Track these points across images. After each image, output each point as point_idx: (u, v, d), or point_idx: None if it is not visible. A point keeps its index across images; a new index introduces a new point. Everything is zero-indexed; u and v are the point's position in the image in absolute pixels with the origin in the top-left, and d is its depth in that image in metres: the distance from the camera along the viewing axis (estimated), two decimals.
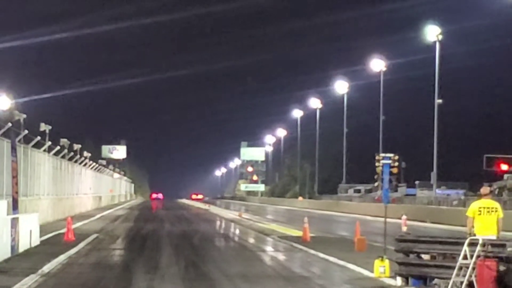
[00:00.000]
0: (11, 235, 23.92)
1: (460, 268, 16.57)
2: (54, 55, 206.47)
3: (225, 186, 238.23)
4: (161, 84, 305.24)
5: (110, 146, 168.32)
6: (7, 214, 25.36)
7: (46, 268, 21.24)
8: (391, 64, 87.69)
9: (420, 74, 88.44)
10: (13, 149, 30.60)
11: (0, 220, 23.39)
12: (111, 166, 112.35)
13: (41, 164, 43.29)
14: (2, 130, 30.88)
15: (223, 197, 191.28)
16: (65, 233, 31.60)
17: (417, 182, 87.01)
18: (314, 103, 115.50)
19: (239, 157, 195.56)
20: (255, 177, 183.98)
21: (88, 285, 18.84)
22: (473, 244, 16.51)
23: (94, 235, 34.39)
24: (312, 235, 34.23)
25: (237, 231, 42.46)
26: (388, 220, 25.37)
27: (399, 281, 18.83)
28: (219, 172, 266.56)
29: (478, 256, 16.35)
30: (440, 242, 18.13)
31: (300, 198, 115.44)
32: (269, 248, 31.03)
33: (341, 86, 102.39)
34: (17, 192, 30.08)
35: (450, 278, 16.76)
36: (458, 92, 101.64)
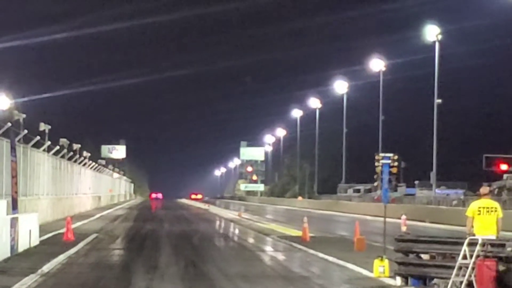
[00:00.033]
0: (11, 235, 23.91)
1: (460, 268, 16.57)
2: (53, 55, 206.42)
3: (225, 186, 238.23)
4: (160, 84, 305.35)
5: (110, 146, 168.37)
6: (7, 214, 25.35)
7: (46, 268, 21.24)
8: (391, 64, 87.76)
9: (420, 74, 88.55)
10: (13, 149, 30.60)
11: (0, 220, 23.39)
12: (110, 166, 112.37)
13: (41, 164, 43.29)
14: (2, 130, 30.87)
15: (223, 197, 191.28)
16: (65, 233, 31.60)
17: (416, 182, 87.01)
18: (314, 103, 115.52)
19: (238, 157, 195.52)
20: (254, 177, 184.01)
21: (88, 285, 18.83)
22: (472, 244, 16.52)
23: (94, 235, 34.39)
24: (311, 235, 34.24)
25: (237, 231, 42.46)
26: (388, 220, 25.37)
27: (398, 281, 18.83)
28: (219, 172, 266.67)
29: (477, 256, 16.35)
30: (440, 242, 18.14)
31: (300, 198, 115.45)
32: (268, 248, 31.04)
33: (340, 86, 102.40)
34: (16, 192, 30.07)
35: (449, 278, 16.76)
36: (458, 92, 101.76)
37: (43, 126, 45.23)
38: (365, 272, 21.32)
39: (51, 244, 28.76)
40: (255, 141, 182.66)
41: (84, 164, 66.93)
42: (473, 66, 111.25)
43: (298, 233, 36.10)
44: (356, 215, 64.05)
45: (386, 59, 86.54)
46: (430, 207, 61.87)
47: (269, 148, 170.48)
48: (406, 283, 18.53)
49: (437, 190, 72.04)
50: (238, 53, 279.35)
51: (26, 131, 36.27)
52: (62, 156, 51.84)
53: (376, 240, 30.83)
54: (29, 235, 26.77)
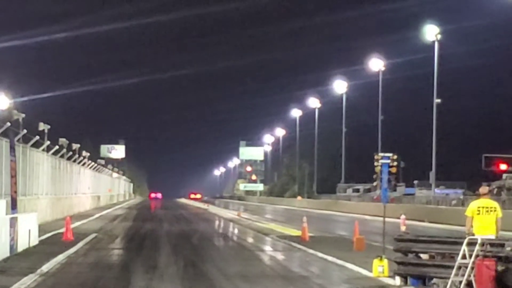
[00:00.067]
0: (10, 235, 23.91)
1: (459, 268, 16.58)
2: (53, 54, 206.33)
3: (224, 186, 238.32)
4: (160, 84, 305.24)
5: (109, 146, 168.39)
6: (6, 214, 25.35)
7: (45, 267, 21.23)
8: (390, 63, 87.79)
9: (419, 74, 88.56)
10: (12, 148, 30.59)
11: None
12: (110, 166, 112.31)
13: (40, 164, 43.28)
14: (1, 130, 30.87)
15: (222, 196, 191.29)
16: (64, 232, 31.59)
17: (416, 181, 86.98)
18: (313, 102, 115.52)
19: (238, 157, 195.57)
20: (254, 177, 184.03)
21: (87, 285, 18.83)
22: (472, 243, 16.52)
23: (93, 235, 34.38)
24: (311, 234, 34.25)
25: (236, 231, 42.46)
26: (387, 219, 25.38)
27: (397, 280, 18.83)
28: (218, 171, 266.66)
29: (477, 256, 16.35)
30: (439, 242, 18.14)
31: (299, 197, 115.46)
32: (268, 248, 31.04)
33: (340, 86, 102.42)
34: (15, 192, 30.07)
35: (449, 278, 16.77)
36: (457, 92, 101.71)
37: (42, 126, 45.22)
38: (364, 271, 21.32)
39: (50, 244, 28.75)
40: (254, 141, 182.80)
41: (84, 164, 66.93)
42: (472, 66, 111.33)
43: (298, 232, 36.10)
44: (355, 215, 64.06)
45: (386, 59, 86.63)
46: (429, 207, 61.87)
47: (268, 148, 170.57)
48: (405, 282, 18.53)
49: (436, 190, 72.04)
50: (238, 53, 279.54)
51: (25, 131, 36.26)
52: (62, 156, 51.84)
53: (375, 239, 30.83)
54: (28, 235, 26.76)
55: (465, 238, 16.76)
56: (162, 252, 27.54)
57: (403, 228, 32.60)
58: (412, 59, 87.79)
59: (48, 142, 44.94)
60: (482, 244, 16.43)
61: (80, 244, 29.08)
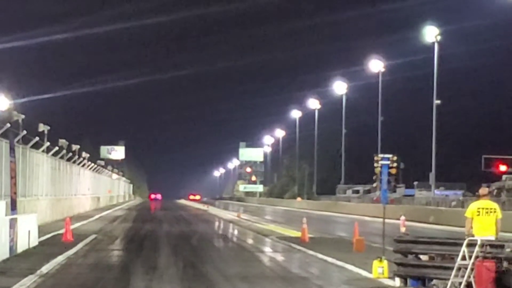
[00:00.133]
0: (10, 236, 23.91)
1: (459, 269, 16.57)
2: (53, 55, 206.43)
3: (224, 187, 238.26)
4: (160, 84, 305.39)
5: (109, 147, 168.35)
6: (6, 215, 25.34)
7: (45, 268, 21.23)
8: (390, 64, 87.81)
9: (419, 75, 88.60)
10: (12, 149, 30.59)
11: None
12: (109, 167, 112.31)
13: (40, 165, 43.28)
14: (1, 131, 30.86)
15: (222, 197, 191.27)
16: (64, 233, 31.58)
17: (415, 182, 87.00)
18: (313, 103, 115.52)
19: (237, 158, 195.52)
20: (253, 178, 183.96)
21: (87, 286, 18.83)
22: (471, 245, 16.52)
23: (93, 236, 34.37)
24: (310, 235, 34.25)
25: (236, 232, 42.46)
26: (387, 220, 25.37)
27: (397, 282, 18.83)
28: (218, 172, 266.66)
29: (476, 257, 16.35)
30: (439, 243, 18.14)
31: (299, 198, 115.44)
32: (267, 249, 31.04)
33: (339, 87, 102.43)
34: (15, 193, 30.07)
35: (448, 279, 16.76)
36: (457, 92, 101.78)
37: (42, 127, 45.22)
38: (364, 273, 21.32)
39: (50, 245, 28.75)
40: (254, 142, 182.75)
41: (83, 165, 66.92)
42: (472, 66, 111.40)
43: (297, 234, 36.10)
44: (355, 216, 64.06)
45: (386, 59, 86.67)
46: (429, 208, 61.87)
47: (268, 149, 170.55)
48: (405, 284, 18.52)
49: (436, 191, 72.05)
50: (238, 53, 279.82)
51: (25, 132, 36.25)
52: (61, 157, 51.83)
53: (375, 241, 30.83)
54: (28, 236, 26.76)
55: (464, 239, 16.76)
56: (162, 253, 27.54)
57: (402, 229, 32.56)
58: (412, 60, 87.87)
59: (48, 143, 44.94)
60: (482, 245, 16.43)
61: (79, 245, 29.07)
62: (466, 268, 16.39)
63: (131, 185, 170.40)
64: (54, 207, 47.51)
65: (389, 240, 20.75)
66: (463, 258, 16.53)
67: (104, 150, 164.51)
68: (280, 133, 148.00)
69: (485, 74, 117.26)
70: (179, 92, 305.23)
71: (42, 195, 43.72)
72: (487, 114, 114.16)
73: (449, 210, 57.41)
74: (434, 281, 17.76)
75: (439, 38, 69.79)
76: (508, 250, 16.21)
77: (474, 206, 17.18)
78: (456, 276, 16.58)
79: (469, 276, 16.33)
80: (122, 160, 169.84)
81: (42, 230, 32.49)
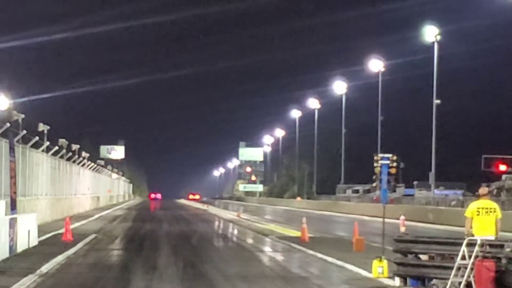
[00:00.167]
0: (9, 235, 23.91)
1: (459, 269, 16.58)
2: (53, 55, 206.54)
3: (224, 186, 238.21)
4: (160, 84, 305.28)
5: (109, 146, 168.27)
6: (6, 214, 25.34)
7: (44, 268, 21.23)
8: (390, 64, 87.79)
9: (419, 74, 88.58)
10: (11, 149, 30.59)
11: None
12: (109, 166, 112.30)
13: (39, 164, 43.28)
14: (1, 130, 30.88)
15: (222, 197, 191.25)
16: (64, 233, 31.58)
17: (415, 182, 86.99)
18: (313, 103, 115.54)
19: (237, 158, 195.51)
20: (253, 178, 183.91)
21: (87, 286, 18.83)
22: (471, 244, 16.52)
23: (93, 235, 34.38)
24: (310, 235, 34.25)
25: (236, 232, 42.47)
26: (387, 220, 25.38)
27: (397, 281, 18.83)
28: (218, 172, 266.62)
29: (476, 257, 16.36)
30: (439, 243, 18.14)
31: (299, 198, 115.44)
32: (267, 249, 31.04)
33: (339, 86, 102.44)
34: (15, 192, 30.07)
35: (448, 279, 16.77)
36: (457, 92, 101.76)
37: (42, 127, 45.25)
38: (364, 272, 21.32)
39: (50, 245, 28.75)
40: (254, 142, 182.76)
41: (83, 165, 66.92)
42: (472, 66, 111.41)
43: (297, 233, 36.10)
44: (355, 216, 64.07)
45: (385, 59, 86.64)
46: (429, 208, 61.86)
47: (268, 149, 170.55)
48: (405, 283, 18.53)
49: (436, 191, 72.04)
50: (238, 53, 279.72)
51: (25, 132, 36.27)
52: (61, 157, 51.84)
53: (375, 240, 30.83)
54: (27, 236, 26.76)
55: (464, 239, 16.76)
56: (162, 253, 27.55)
57: (402, 229, 32.56)
58: (412, 59, 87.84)
59: (48, 143, 44.95)
60: (482, 245, 16.44)
61: (79, 245, 29.08)
62: (466, 268, 16.40)
63: (131, 185, 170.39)
64: (53, 206, 47.51)
65: (389, 239, 20.76)
66: (463, 257, 16.53)
67: (104, 150, 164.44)
68: (280, 132, 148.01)
69: (485, 74, 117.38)
70: (179, 92, 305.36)
71: (42, 195, 43.73)
72: (487, 114, 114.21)
73: (449, 210, 57.41)
74: (434, 281, 17.76)
75: (439, 38, 69.79)
76: (507, 249, 16.22)
77: (474, 206, 17.19)
78: (455, 275, 16.58)
79: (468, 276, 16.34)
80: (122, 159, 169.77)
81: (41, 229, 32.50)
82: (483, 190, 17.53)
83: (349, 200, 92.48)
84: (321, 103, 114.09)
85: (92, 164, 75.91)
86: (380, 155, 23.83)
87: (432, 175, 69.98)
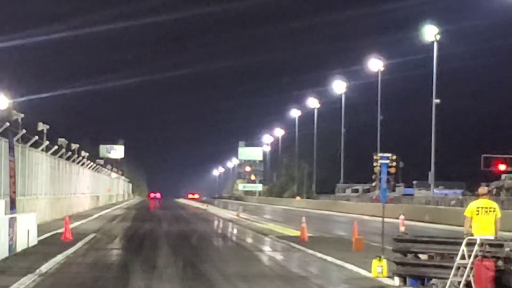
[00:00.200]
0: (9, 235, 23.90)
1: (458, 268, 16.57)
2: (53, 54, 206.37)
3: (223, 186, 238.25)
4: (159, 84, 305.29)
5: (108, 146, 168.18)
6: (5, 214, 25.34)
7: (44, 267, 21.22)
8: (390, 64, 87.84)
9: (419, 74, 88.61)
10: (11, 148, 30.59)
11: None
12: (109, 166, 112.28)
13: (39, 164, 43.27)
14: (0, 130, 30.87)
15: (221, 196, 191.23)
16: (63, 232, 31.57)
17: (415, 182, 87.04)
18: (312, 103, 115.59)
19: (237, 157, 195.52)
20: (253, 177, 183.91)
21: (86, 285, 18.82)
22: (471, 244, 16.52)
23: (92, 235, 34.37)
24: (310, 235, 34.25)
25: (235, 231, 42.46)
26: (386, 220, 25.38)
27: (397, 281, 18.83)
28: (217, 171, 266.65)
29: (476, 256, 16.35)
30: (438, 242, 18.14)
31: (298, 197, 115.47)
32: (267, 248, 31.04)
33: (339, 86, 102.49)
34: (14, 192, 30.07)
35: (448, 278, 16.77)
36: (457, 92, 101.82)
37: (41, 126, 45.23)
38: (363, 272, 21.32)
39: (49, 244, 28.74)
40: (253, 141, 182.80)
41: (83, 164, 66.91)
42: (472, 66, 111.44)
43: (297, 233, 36.10)
44: (354, 215, 64.08)
45: (385, 59, 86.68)
46: (428, 207, 61.88)
47: (267, 148, 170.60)
48: (404, 283, 18.53)
49: (435, 190, 72.08)
50: (238, 53, 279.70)
51: (24, 131, 36.26)
52: (61, 156, 51.83)
53: (374, 240, 30.83)
54: (27, 235, 26.75)
55: (464, 238, 16.76)
56: (161, 252, 27.54)
57: (402, 229, 32.57)
58: (411, 59, 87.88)
59: (47, 142, 44.95)
60: (481, 245, 16.43)
61: (79, 244, 29.07)
62: (466, 267, 16.40)
63: (130, 184, 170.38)
64: (53, 206, 47.51)
65: (389, 239, 20.75)
66: (463, 257, 16.53)
67: (104, 149, 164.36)
68: (279, 132, 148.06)
69: (485, 74, 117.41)
70: (179, 92, 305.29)
71: (41, 194, 43.72)
72: (486, 114, 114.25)
73: (449, 209, 57.42)
74: (433, 280, 17.76)
75: (438, 37, 69.83)
76: (507, 249, 16.21)
77: (473, 205, 17.19)
78: (455, 275, 16.58)
79: (468, 275, 16.34)
80: (121, 159, 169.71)
81: (41, 229, 32.48)
82: (482, 189, 17.53)
83: (349, 199, 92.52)
84: (321, 103, 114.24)
85: (92, 163, 75.90)
86: (380, 154, 23.84)
87: (431, 174, 70.02)
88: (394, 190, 75.77)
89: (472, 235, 16.83)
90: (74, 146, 59.71)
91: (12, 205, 28.94)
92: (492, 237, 16.84)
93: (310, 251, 27.82)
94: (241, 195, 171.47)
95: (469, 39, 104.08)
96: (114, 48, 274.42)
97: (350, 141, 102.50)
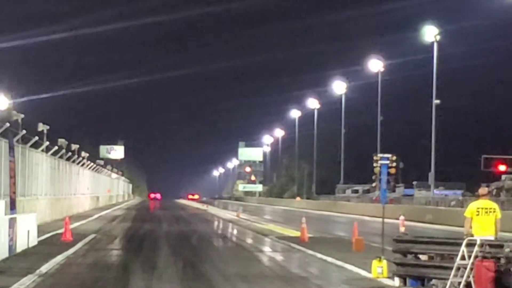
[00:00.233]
0: (9, 235, 23.90)
1: (458, 269, 16.57)
2: (53, 55, 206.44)
3: (223, 186, 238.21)
4: (159, 84, 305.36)
5: (108, 146, 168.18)
6: (5, 214, 25.34)
7: (44, 268, 21.22)
8: (390, 64, 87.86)
9: (419, 74, 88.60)
10: (11, 149, 30.58)
11: None
12: (109, 166, 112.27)
13: (39, 164, 43.27)
14: (0, 130, 30.86)
15: (221, 197, 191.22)
16: (63, 233, 31.57)
17: (415, 182, 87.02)
18: (312, 103, 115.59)
19: (237, 157, 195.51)
20: (253, 177, 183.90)
21: (86, 285, 18.82)
22: (471, 244, 16.51)
23: (92, 235, 34.37)
24: (310, 235, 34.25)
25: (235, 232, 42.46)
26: (386, 220, 25.38)
27: (397, 281, 18.83)
28: (217, 172, 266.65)
29: (476, 257, 16.35)
30: (438, 243, 18.14)
31: (298, 198, 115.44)
32: (267, 249, 31.03)
33: (339, 86, 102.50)
34: (14, 192, 30.05)
35: (448, 279, 16.76)
36: (457, 92, 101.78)
37: (41, 127, 45.23)
38: (363, 272, 21.32)
39: (49, 245, 28.74)
40: (253, 142, 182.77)
41: (83, 165, 66.91)
42: (472, 66, 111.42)
43: (297, 233, 36.10)
44: (354, 216, 64.06)
45: (385, 59, 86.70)
46: (428, 208, 61.88)
47: (267, 149, 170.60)
48: (404, 283, 18.53)
49: (435, 191, 72.07)
50: (238, 53, 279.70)
51: (24, 131, 36.25)
52: (61, 157, 51.82)
53: (374, 240, 30.82)
54: (27, 236, 26.75)
55: (464, 239, 16.75)
56: (161, 253, 27.54)
57: (402, 229, 32.57)
58: (411, 59, 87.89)
59: (47, 143, 44.94)
60: (481, 245, 16.43)
61: (79, 245, 29.07)
62: (466, 268, 16.39)
63: (130, 185, 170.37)
64: (53, 206, 47.51)
65: (389, 239, 20.75)
66: (463, 258, 16.53)
67: (104, 150, 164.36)
68: (279, 132, 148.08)
69: (485, 74, 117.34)
70: (179, 92, 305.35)
71: (41, 195, 43.71)
72: (486, 114, 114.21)
73: (449, 210, 57.42)
74: (433, 281, 17.76)
75: (438, 37, 69.86)
76: (507, 250, 16.21)
77: (473, 206, 17.19)
78: (455, 276, 16.58)
79: (468, 276, 16.33)
80: (121, 159, 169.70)
81: (41, 229, 32.48)
82: (483, 190, 17.53)
83: (349, 200, 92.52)
84: (321, 103, 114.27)
85: (92, 164, 75.88)
86: (380, 155, 23.84)
87: (431, 175, 70.01)
88: (394, 191, 75.82)
89: (472, 235, 16.83)
90: (74, 146, 59.71)
91: (12, 206, 28.93)
92: (492, 238, 16.84)
93: (310, 252, 27.82)
94: (241, 195, 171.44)
95: (469, 39, 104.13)
96: (114, 48, 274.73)
97: (350, 142, 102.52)
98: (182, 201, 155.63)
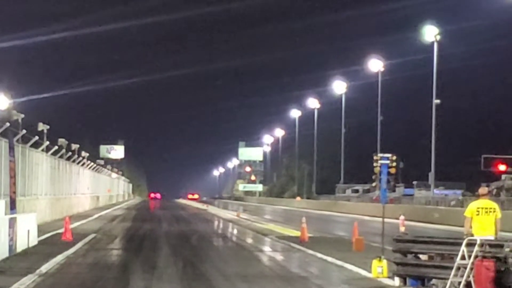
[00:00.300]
0: (9, 235, 23.90)
1: (458, 269, 16.57)
2: (53, 54, 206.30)
3: (223, 186, 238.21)
4: (159, 84, 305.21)
5: (108, 146, 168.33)
6: (5, 214, 25.34)
7: (44, 268, 21.22)
8: (390, 64, 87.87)
9: (419, 74, 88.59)
10: (11, 149, 30.59)
11: None
12: (109, 166, 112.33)
13: (39, 164, 43.27)
14: (0, 130, 30.87)
15: (221, 197, 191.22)
16: (63, 233, 31.57)
17: (415, 182, 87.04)
18: (312, 103, 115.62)
19: (237, 157, 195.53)
20: (253, 177, 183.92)
21: (86, 285, 18.82)
22: (471, 244, 16.52)
23: (92, 235, 34.37)
24: (310, 235, 34.25)
25: (235, 231, 42.46)
26: (386, 220, 25.38)
27: (397, 281, 18.83)
28: (217, 172, 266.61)
29: (476, 257, 16.35)
30: (438, 243, 18.14)
31: (298, 198, 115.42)
32: (267, 248, 31.03)
33: (339, 86, 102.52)
34: (15, 192, 30.07)
35: (448, 279, 16.77)
36: (457, 92, 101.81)
37: (41, 126, 45.23)
38: (363, 272, 21.32)
39: (49, 244, 28.74)
40: (253, 141, 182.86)
41: (83, 164, 66.91)
42: (472, 66, 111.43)
43: (297, 233, 36.10)
44: (354, 216, 64.06)
45: (385, 59, 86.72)
46: (428, 208, 61.88)
47: (267, 148, 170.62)
48: (405, 283, 18.53)
49: (435, 191, 72.07)
50: (238, 53, 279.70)
51: (24, 131, 36.26)
52: (61, 156, 51.82)
53: (374, 240, 30.82)
54: (27, 235, 26.75)
55: (464, 239, 16.76)
56: (161, 253, 27.53)
57: (402, 229, 32.57)
58: (411, 59, 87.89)
59: (47, 143, 44.94)
60: (481, 245, 16.43)
61: (79, 245, 29.07)
62: (466, 268, 16.40)
63: (131, 185, 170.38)
64: (53, 206, 47.51)
65: (389, 239, 20.75)
66: (463, 257, 16.53)
67: (104, 150, 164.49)
68: (279, 132, 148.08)
69: (485, 74, 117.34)
70: (179, 92, 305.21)
71: (41, 195, 43.71)
72: (486, 114, 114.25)
73: (449, 210, 57.42)
74: (434, 281, 17.76)
75: (438, 37, 69.85)
76: (507, 249, 16.22)
77: (473, 206, 17.19)
78: (455, 275, 16.58)
79: (468, 276, 16.34)
80: (121, 159, 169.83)
81: (41, 229, 32.48)
82: (483, 190, 17.53)
83: (349, 200, 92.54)
84: (321, 103, 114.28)
85: (92, 163, 75.89)
86: (380, 155, 23.85)
87: (431, 175, 70.01)
88: (394, 191, 75.84)
89: (472, 235, 16.83)
90: (74, 146, 59.72)
91: (12, 206, 28.95)
92: (492, 238, 16.84)
93: (310, 252, 27.82)
94: (241, 195, 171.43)
95: (469, 39, 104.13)
96: (114, 48, 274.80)
97: (350, 141, 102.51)
98: (182, 201, 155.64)
